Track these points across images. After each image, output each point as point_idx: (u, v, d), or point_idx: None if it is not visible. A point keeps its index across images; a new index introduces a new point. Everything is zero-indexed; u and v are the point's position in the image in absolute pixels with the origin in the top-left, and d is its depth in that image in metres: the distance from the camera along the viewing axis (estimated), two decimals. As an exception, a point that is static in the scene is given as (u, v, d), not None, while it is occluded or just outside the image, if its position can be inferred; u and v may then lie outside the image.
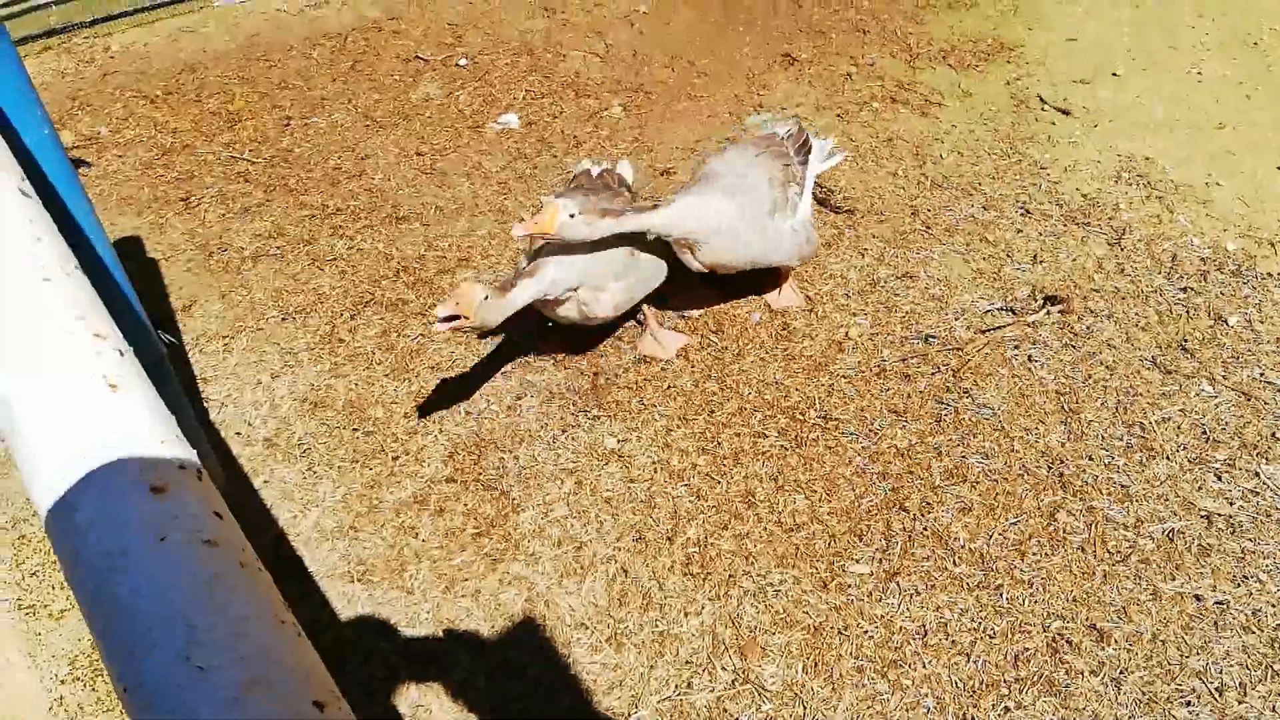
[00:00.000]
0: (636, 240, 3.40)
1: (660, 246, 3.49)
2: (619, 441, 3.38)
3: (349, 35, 5.57)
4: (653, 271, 3.52)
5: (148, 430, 0.64)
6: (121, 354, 0.69)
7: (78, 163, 4.60)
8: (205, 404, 3.55)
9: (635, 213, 3.27)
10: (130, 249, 4.16)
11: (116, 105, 5.11)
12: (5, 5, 5.50)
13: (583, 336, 3.72)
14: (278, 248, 4.22)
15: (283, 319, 3.90)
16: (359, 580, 3.02)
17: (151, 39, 5.65)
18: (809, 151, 3.73)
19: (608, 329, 3.77)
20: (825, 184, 4.39)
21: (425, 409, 3.52)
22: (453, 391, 3.58)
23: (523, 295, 3.12)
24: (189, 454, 0.65)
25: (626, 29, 5.59)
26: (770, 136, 3.72)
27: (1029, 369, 3.55)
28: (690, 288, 3.86)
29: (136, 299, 2.80)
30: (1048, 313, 3.75)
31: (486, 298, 2.95)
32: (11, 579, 2.96)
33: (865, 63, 5.21)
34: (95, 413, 0.64)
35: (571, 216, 3.09)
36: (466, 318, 2.91)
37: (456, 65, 5.33)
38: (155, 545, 0.56)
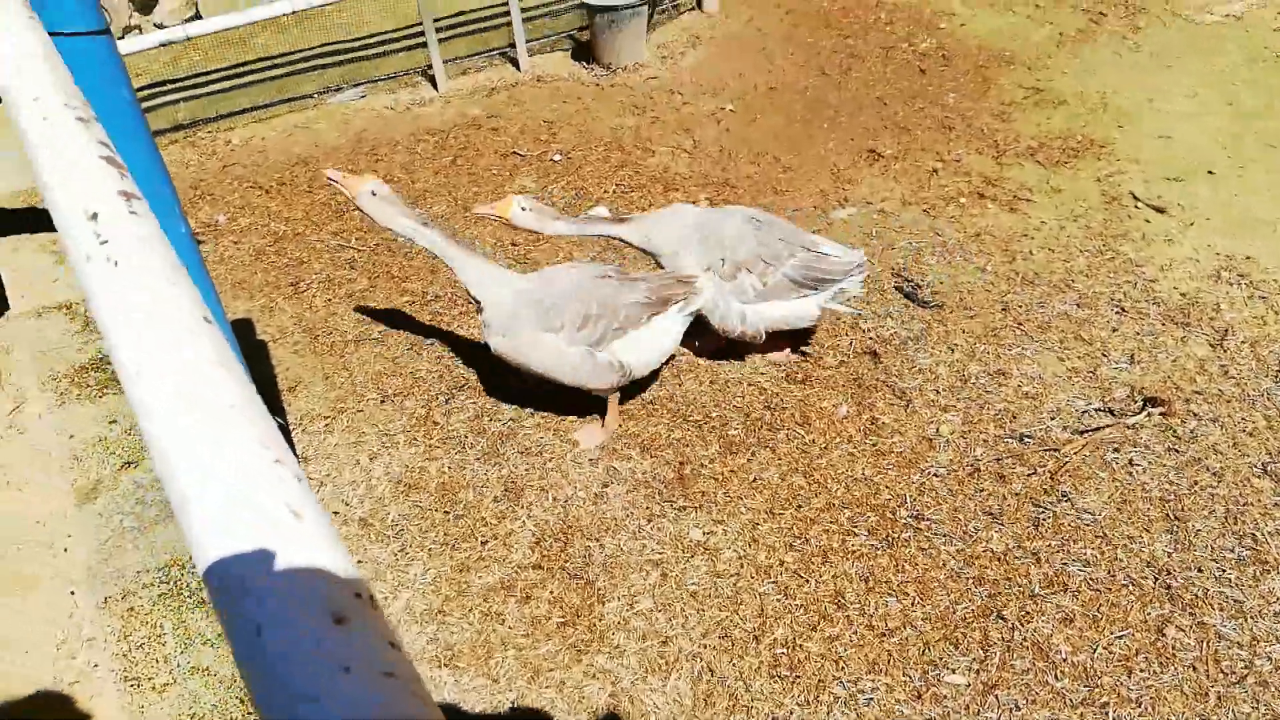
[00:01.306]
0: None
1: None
2: (705, 534, 3.37)
3: (451, 132, 5.86)
4: (574, 371, 3.51)
5: (328, 558, 0.69)
6: (299, 480, 0.75)
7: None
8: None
9: (598, 220, 3.80)
10: (242, 331, 4.39)
11: (234, 195, 5.44)
12: (141, 101, 5.94)
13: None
14: (379, 332, 4.39)
15: (381, 401, 4.04)
16: (446, 665, 3.05)
17: (269, 134, 6.03)
18: (829, 283, 3.75)
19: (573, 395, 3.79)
20: (913, 277, 4.40)
21: (514, 494, 3.58)
22: (541, 477, 3.64)
23: (425, 237, 3.50)
24: (363, 581, 0.70)
25: (713, 126, 5.76)
26: (806, 241, 3.76)
27: (1130, 473, 3.45)
28: (779, 383, 3.88)
29: (251, 382, 2.95)
30: (1148, 415, 3.66)
31: (374, 193, 3.49)
32: (119, 651, 3.06)
33: (951, 158, 5.25)
34: (282, 542, 0.69)
35: (523, 209, 3.65)
36: (350, 193, 3.51)
37: (551, 160, 5.55)
38: (341, 677, 0.60)
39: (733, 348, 4.09)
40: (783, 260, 3.69)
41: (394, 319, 4.47)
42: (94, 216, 1.07)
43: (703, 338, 4.08)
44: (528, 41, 6.48)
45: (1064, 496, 3.38)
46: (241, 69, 6.69)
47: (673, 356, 3.93)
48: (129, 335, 0.95)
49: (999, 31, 6.47)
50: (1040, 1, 6.72)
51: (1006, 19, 6.60)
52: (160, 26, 7.26)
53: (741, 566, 3.24)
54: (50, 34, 1.74)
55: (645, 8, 6.29)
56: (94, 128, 1.31)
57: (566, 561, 3.32)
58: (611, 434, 3.79)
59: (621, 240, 3.81)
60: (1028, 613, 3.02)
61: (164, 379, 0.88)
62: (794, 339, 4.09)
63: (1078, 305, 4.20)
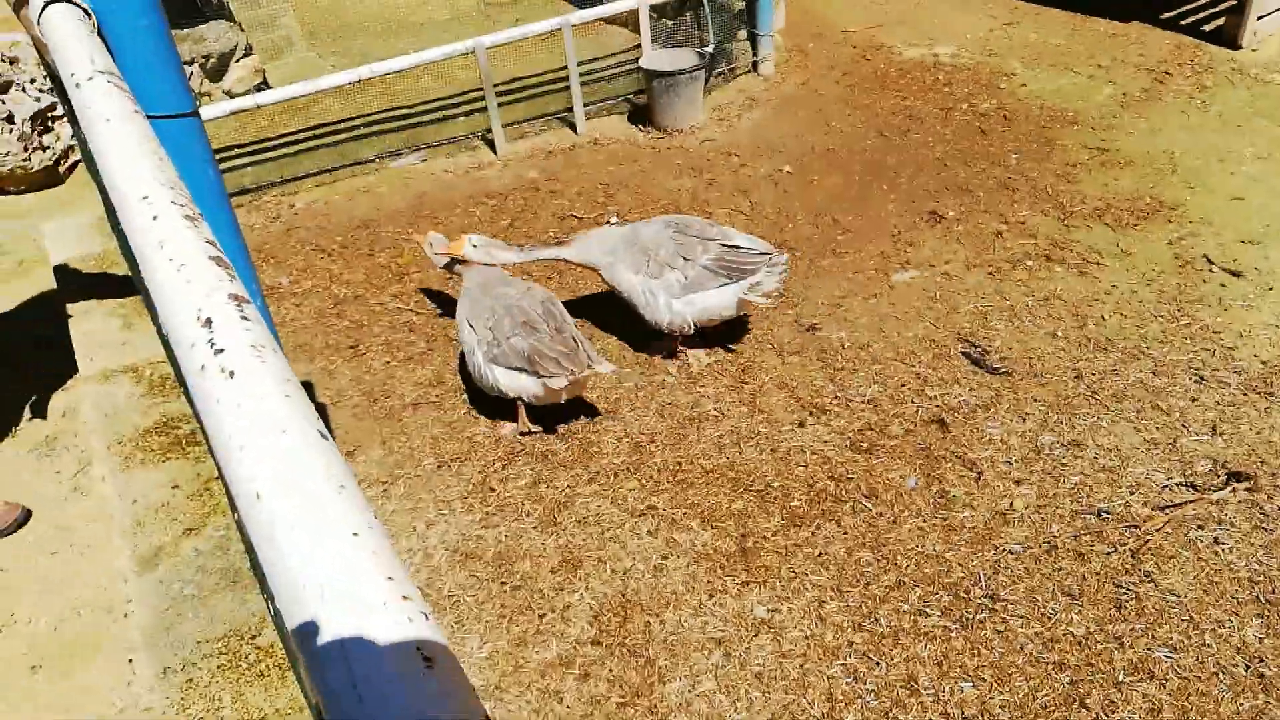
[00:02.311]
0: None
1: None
2: (769, 611, 3.27)
3: (509, 194, 5.92)
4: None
5: (470, 714, 0.64)
6: (426, 617, 0.70)
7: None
8: (362, 551, 3.65)
9: (545, 247, 4.41)
10: (302, 395, 4.41)
11: (297, 258, 5.54)
12: (209, 168, 6.10)
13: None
14: (437, 396, 4.39)
15: (438, 466, 4.02)
16: (503, 745, 2.97)
17: (332, 197, 6.15)
18: (746, 274, 4.14)
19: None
20: (980, 342, 4.29)
21: (572, 565, 3.51)
22: (599, 547, 3.57)
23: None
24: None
25: (770, 188, 5.74)
26: (720, 234, 4.18)
27: (1216, 552, 3.28)
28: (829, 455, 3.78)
29: (367, 503, 2.94)
30: (1233, 490, 3.49)
31: (475, 245, 4.26)
32: (176, 722, 3.03)
33: (1016, 220, 5.16)
34: (416, 696, 0.64)
35: (474, 246, 4.25)
36: (456, 254, 4.31)
37: (608, 222, 5.57)
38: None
39: (666, 347, 4.48)
40: (699, 256, 4.14)
41: (451, 383, 4.47)
42: (207, 323, 1.05)
43: (653, 343, 4.50)
44: (585, 105, 6.57)
45: (1147, 577, 3.22)
46: (305, 134, 6.86)
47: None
48: (248, 453, 0.92)
49: (1061, 91, 6.40)
50: (1102, 61, 6.65)
51: (1068, 79, 6.54)
52: (230, 94, 7.51)
53: (808, 647, 3.13)
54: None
55: (702, 72, 6.34)
56: (201, 226, 1.30)
57: (626, 638, 3.24)
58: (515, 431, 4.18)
59: (565, 261, 4.42)
60: (1112, 702, 2.87)
61: (283, 499, 0.85)
62: (726, 329, 4.48)
63: (1154, 373, 4.05)
